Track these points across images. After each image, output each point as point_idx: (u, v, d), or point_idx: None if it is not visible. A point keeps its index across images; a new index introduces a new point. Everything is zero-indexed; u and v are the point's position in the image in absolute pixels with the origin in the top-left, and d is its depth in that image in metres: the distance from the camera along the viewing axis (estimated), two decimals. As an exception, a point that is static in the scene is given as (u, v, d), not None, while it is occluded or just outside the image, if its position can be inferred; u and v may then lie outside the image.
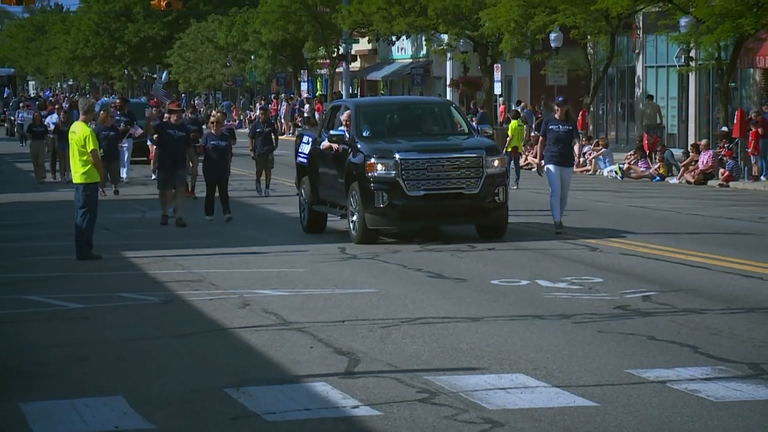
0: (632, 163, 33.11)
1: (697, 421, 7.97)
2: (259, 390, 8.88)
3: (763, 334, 10.74)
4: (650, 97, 39.78)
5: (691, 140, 35.39)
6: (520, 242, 17.60)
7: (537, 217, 20.60)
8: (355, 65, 63.45)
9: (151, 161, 32.43)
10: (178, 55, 77.83)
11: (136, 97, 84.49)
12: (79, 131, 16.64)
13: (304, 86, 66.40)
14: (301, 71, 66.28)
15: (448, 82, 53.10)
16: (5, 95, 77.16)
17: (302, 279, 14.54)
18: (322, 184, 19.20)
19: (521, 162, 31.78)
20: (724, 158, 30.63)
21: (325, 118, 20.39)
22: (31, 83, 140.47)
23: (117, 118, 29.35)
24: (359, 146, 17.89)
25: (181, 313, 12.46)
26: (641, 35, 40.64)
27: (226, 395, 8.77)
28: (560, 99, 19.61)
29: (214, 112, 30.01)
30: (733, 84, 35.01)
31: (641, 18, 39.34)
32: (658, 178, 31.94)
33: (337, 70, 61.30)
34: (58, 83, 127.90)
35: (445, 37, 47.51)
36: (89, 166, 16.51)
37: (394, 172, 17.38)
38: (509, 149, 29.25)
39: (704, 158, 30.60)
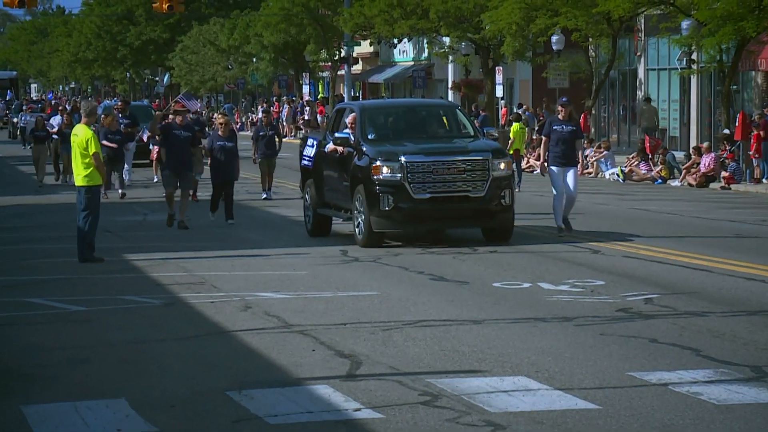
0: (634, 165, 33.11)
1: (699, 424, 7.97)
2: (261, 393, 8.88)
3: (766, 337, 10.73)
4: (648, 99, 39.84)
5: (693, 143, 35.40)
6: (522, 245, 17.60)
7: (539, 220, 20.59)
8: (357, 68, 63.48)
9: (154, 163, 32.48)
10: (180, 58, 77.89)
11: (138, 99, 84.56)
12: (82, 134, 16.64)
13: (305, 89, 66.45)
14: (303, 74, 66.32)
15: (449, 85, 53.13)
16: (7, 98, 77.24)
17: (304, 282, 14.54)
18: (327, 187, 19.12)
19: (523, 165, 31.78)
20: (726, 161, 30.63)
21: (330, 120, 20.33)
22: (33, 86, 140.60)
23: (119, 121, 29.35)
24: (364, 149, 17.82)
25: (183, 315, 12.47)
26: (643, 38, 40.65)
27: (228, 398, 8.77)
28: (564, 100, 19.59)
29: (216, 115, 30.03)
30: (734, 87, 35.00)
31: (643, 21, 39.35)
32: (659, 180, 31.94)
33: (338, 72, 61.33)
34: (60, 86, 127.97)
35: (446, 39, 47.54)
36: (91, 168, 16.52)
37: (399, 175, 17.32)
38: (511, 152, 29.27)
39: (706, 161, 30.60)
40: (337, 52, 60.21)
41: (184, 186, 20.85)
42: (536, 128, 42.32)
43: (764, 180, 29.68)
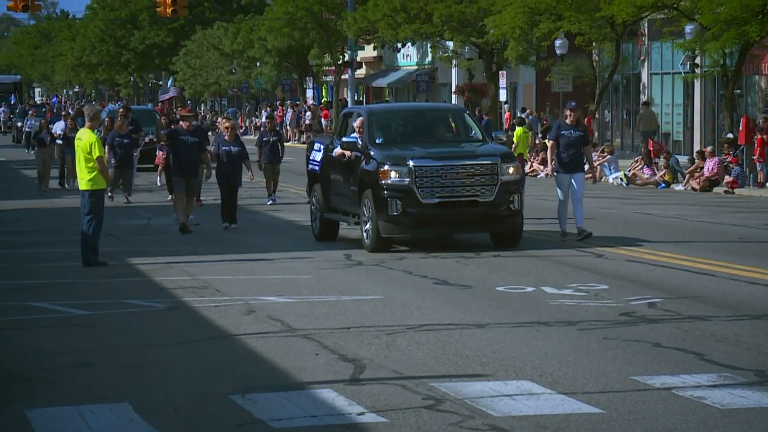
0: (637, 169, 33.11)
1: (702, 428, 7.97)
2: (265, 397, 8.89)
3: (769, 341, 10.73)
4: (646, 103, 39.91)
5: (697, 147, 35.38)
6: (526, 249, 17.59)
7: (542, 225, 20.58)
8: (361, 72, 63.51)
9: (158, 168, 32.49)
10: (183, 62, 77.95)
11: (142, 104, 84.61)
12: (85, 138, 16.66)
13: (309, 93, 66.48)
14: (307, 78, 66.37)
15: (453, 89, 53.14)
16: (12, 102, 77.29)
17: (308, 286, 14.54)
18: (334, 191, 19.03)
19: (526, 169, 31.77)
20: (730, 165, 30.62)
21: (337, 125, 20.22)
22: (37, 90, 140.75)
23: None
24: (372, 153, 17.73)
25: (186, 319, 12.47)
26: (646, 42, 40.66)
27: (232, 402, 8.78)
28: (572, 104, 19.46)
29: (220, 119, 30.03)
30: (738, 91, 34.99)
31: (646, 25, 39.36)
32: (663, 184, 31.93)
33: (342, 77, 61.35)
34: (64, 90, 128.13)
35: (450, 44, 47.55)
36: (95, 172, 16.54)
37: (407, 179, 17.22)
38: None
39: (710, 165, 30.59)
40: (341, 56, 60.23)
41: (191, 192, 20.73)
42: (539, 132, 42.36)
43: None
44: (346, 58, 58.76)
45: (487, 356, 10.20)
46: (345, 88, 61.45)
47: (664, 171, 32.31)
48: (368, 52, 62.27)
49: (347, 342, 10.90)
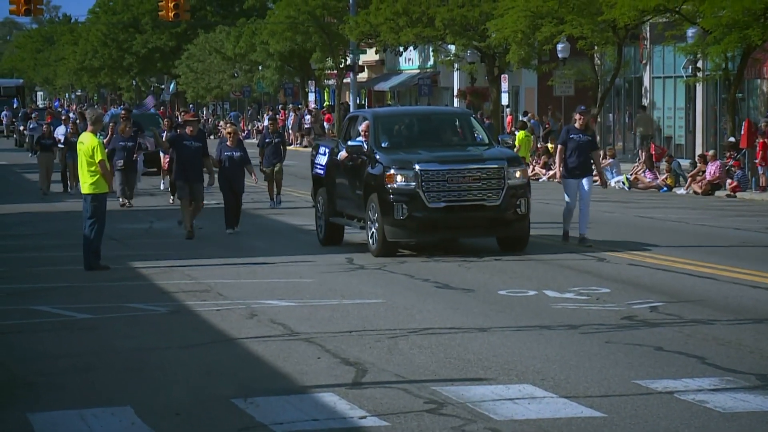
0: (639, 173, 33.11)
1: (704, 432, 7.98)
2: (267, 401, 8.89)
3: (771, 345, 10.73)
4: (643, 108, 39.95)
5: (699, 151, 35.39)
6: (528, 253, 17.58)
7: (545, 229, 20.57)
8: (363, 76, 63.54)
9: (162, 172, 32.51)
10: (186, 66, 78.01)
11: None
12: (88, 142, 16.68)
13: (311, 97, 66.52)
14: (309, 82, 66.39)
15: (455, 93, 53.17)
16: (14, 106, 77.33)
17: (310, 289, 14.54)
18: (340, 195, 18.94)
19: (528, 172, 31.73)
20: (732, 169, 30.61)
21: (343, 128, 20.05)
22: (39, 94, 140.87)
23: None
24: (378, 157, 17.64)
25: (188, 323, 12.48)
26: (648, 46, 40.66)
27: (234, 406, 8.78)
28: (582, 108, 19.28)
29: (222, 123, 30.06)
30: (740, 95, 35.00)
31: (648, 29, 39.37)
32: (665, 188, 31.93)
33: (344, 80, 61.38)
34: (66, 94, 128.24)
35: (452, 47, 47.57)
36: (97, 176, 16.55)
37: (414, 183, 17.13)
38: (516, 160, 29.27)
39: (711, 169, 30.59)
40: (343, 60, 60.26)
41: (196, 198, 20.58)
42: (541, 136, 42.37)
43: (770, 188, 29.66)
44: (348, 61, 58.79)
45: (488, 360, 10.20)
46: (347, 92, 61.48)
47: (666, 175, 32.31)
48: (370, 55, 62.30)
49: (349, 346, 10.90)
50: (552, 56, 41.44)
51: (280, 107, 67.88)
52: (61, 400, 9.13)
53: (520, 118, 45.33)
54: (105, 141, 25.75)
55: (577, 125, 18.85)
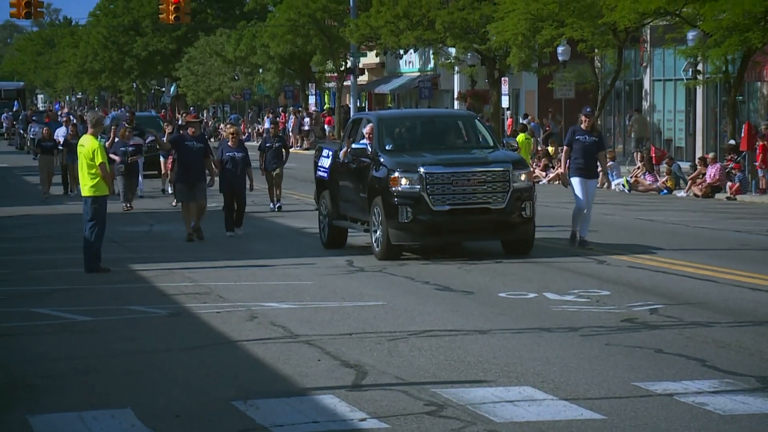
0: (639, 176, 33.13)
1: (704, 434, 7.97)
2: (267, 403, 8.90)
3: (771, 348, 10.73)
4: (637, 110, 39.97)
5: (699, 153, 35.41)
6: (528, 255, 17.58)
7: (545, 231, 20.57)
8: (363, 79, 63.57)
9: (162, 175, 32.52)
10: (186, 69, 78.04)
11: (145, 110, 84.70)
12: (88, 144, 16.69)
13: (311, 100, 66.58)
14: (309, 85, 66.43)
15: (455, 96, 53.19)
16: (14, 108, 77.35)
17: (310, 292, 14.55)
18: (343, 198, 18.85)
19: (529, 175, 31.71)
20: (733, 171, 30.63)
21: (346, 131, 19.91)
22: (39, 96, 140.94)
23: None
24: (382, 160, 17.55)
25: (188, 325, 12.49)
26: (648, 49, 40.69)
27: (234, 408, 8.79)
28: (587, 110, 19.06)
29: (223, 125, 30.08)
30: (740, 97, 35.01)
31: (648, 31, 39.39)
32: (665, 191, 31.94)
33: (344, 83, 61.40)
34: (67, 97, 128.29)
35: (452, 50, 47.59)
36: (98, 179, 16.56)
37: (418, 186, 17.04)
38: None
39: (712, 171, 30.60)
40: (344, 63, 60.30)
41: (197, 197, 20.54)
42: (541, 139, 42.39)
43: (770, 190, 29.67)
44: (349, 64, 58.83)
45: (489, 362, 10.20)
46: (347, 95, 61.51)
47: (666, 177, 32.32)
48: (371, 58, 62.33)
49: (349, 348, 10.90)
50: (552, 59, 41.46)
51: (280, 110, 67.91)
52: (61, 403, 9.14)
53: (521, 121, 45.37)
54: (107, 144, 25.76)
55: (583, 126, 18.69)
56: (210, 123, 73.52)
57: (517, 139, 32.03)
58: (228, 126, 27.25)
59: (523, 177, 17.39)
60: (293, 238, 21.56)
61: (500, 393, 9.06)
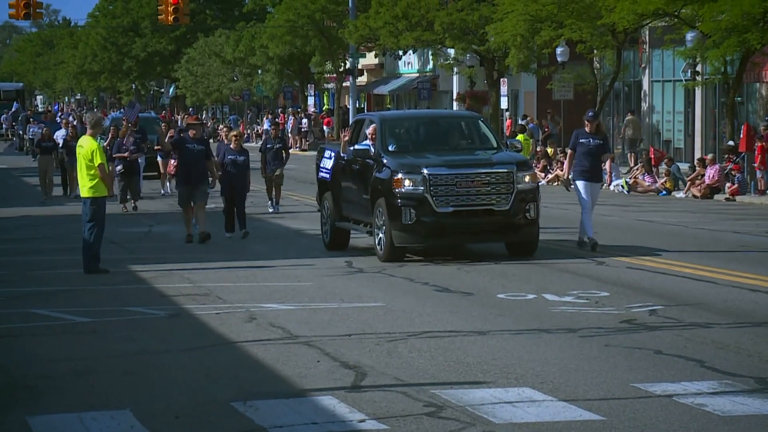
0: (638, 177, 33.14)
1: (703, 435, 7.98)
2: (266, 404, 8.90)
3: (770, 349, 10.74)
4: (631, 112, 39.97)
5: (698, 154, 35.42)
6: (527, 256, 17.57)
7: (546, 233, 20.56)
8: (362, 79, 63.57)
9: (161, 176, 32.52)
10: (185, 70, 78.05)
11: (144, 111, 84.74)
12: (87, 145, 16.69)
13: (310, 101, 66.58)
14: (308, 86, 66.45)
15: (454, 97, 53.19)
16: (14, 109, 77.34)
17: (309, 293, 14.55)
18: (346, 200, 18.75)
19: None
20: (732, 172, 30.64)
21: (349, 132, 19.81)
22: (38, 97, 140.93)
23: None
24: (385, 161, 17.46)
25: (188, 327, 12.49)
26: (647, 50, 40.70)
27: (233, 409, 8.79)
28: (590, 115, 18.82)
29: (221, 127, 30.08)
30: (739, 98, 35.03)
31: (647, 32, 39.41)
32: (664, 192, 31.96)
33: (343, 84, 61.41)
34: (66, 98, 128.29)
35: (451, 51, 47.60)
36: (97, 180, 16.56)
37: (422, 187, 16.94)
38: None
39: (710, 172, 30.62)
40: (342, 64, 60.30)
41: (199, 198, 20.40)
42: (540, 140, 42.39)
43: (769, 191, 29.69)
44: (348, 65, 58.83)
45: (488, 363, 10.21)
46: (346, 96, 61.52)
47: (665, 178, 32.34)
48: (369, 59, 62.32)
49: (348, 349, 10.91)
50: (551, 60, 41.47)
51: (279, 111, 67.92)
52: (61, 404, 9.14)
53: (519, 122, 45.36)
54: (105, 145, 25.75)
55: (587, 129, 18.50)
56: (209, 124, 73.55)
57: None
58: (223, 128, 27.27)
59: (527, 178, 17.28)
60: (292, 239, 21.56)
61: (499, 394, 9.07)
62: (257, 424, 8.37)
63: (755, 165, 30.12)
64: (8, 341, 11.95)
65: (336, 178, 19.12)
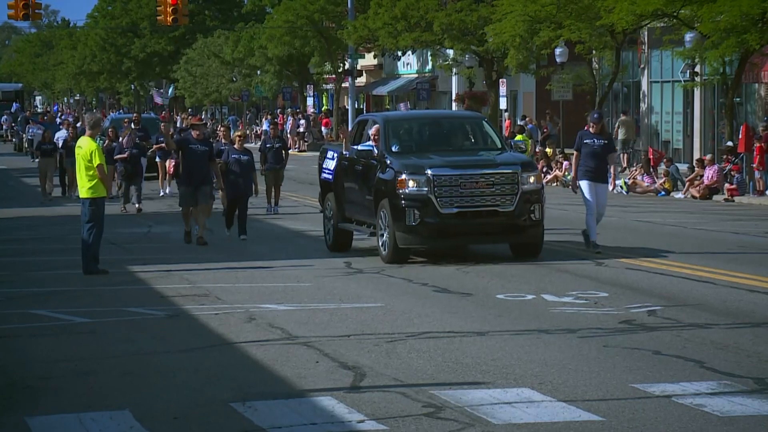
0: (637, 177, 33.15)
1: (702, 435, 7.98)
2: (265, 404, 8.90)
3: (769, 349, 10.74)
4: (625, 113, 39.99)
5: (696, 155, 35.43)
6: (527, 257, 17.58)
7: (545, 234, 20.55)
8: (361, 80, 63.59)
9: (159, 177, 32.52)
10: (184, 70, 78.05)
11: (144, 112, 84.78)
12: (86, 146, 16.69)
13: (309, 101, 66.57)
14: (307, 86, 66.46)
15: (453, 97, 53.21)
16: (13, 110, 77.33)
17: (308, 293, 14.56)
18: (349, 201, 18.65)
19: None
20: (731, 173, 30.66)
21: (352, 132, 19.71)
22: (38, 98, 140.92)
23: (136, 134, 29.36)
24: (389, 162, 17.36)
25: (187, 327, 12.49)
26: (646, 50, 40.72)
27: (232, 410, 8.79)
28: (596, 116, 18.68)
29: (220, 127, 30.06)
30: (738, 99, 35.04)
31: (646, 33, 39.43)
32: (663, 192, 31.97)
33: (342, 85, 61.44)
34: (65, 98, 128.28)
35: (450, 52, 47.63)
36: (95, 180, 16.56)
37: (426, 188, 16.85)
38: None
39: (709, 173, 30.63)
40: (341, 65, 60.32)
41: (201, 200, 20.24)
42: (539, 141, 42.40)
43: (767, 192, 29.72)
44: (347, 66, 58.85)
45: (487, 364, 10.21)
46: (345, 97, 61.53)
47: (663, 179, 32.35)
48: (368, 60, 62.35)
49: (347, 350, 10.91)
50: (550, 61, 41.49)
51: (278, 111, 67.95)
52: (60, 404, 9.14)
53: (518, 123, 45.38)
54: (104, 146, 25.76)
55: (591, 130, 18.39)
56: (209, 124, 73.55)
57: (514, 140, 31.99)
58: (222, 128, 27.26)
59: (532, 179, 17.18)
60: (291, 239, 21.56)
61: (498, 394, 9.07)
62: (256, 424, 8.37)
63: (754, 165, 30.13)
64: (7, 342, 11.95)
65: (339, 178, 19.02)
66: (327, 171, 19.48)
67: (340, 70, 60.41)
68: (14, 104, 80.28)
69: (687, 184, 31.43)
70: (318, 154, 21.10)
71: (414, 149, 18.07)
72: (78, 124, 41.22)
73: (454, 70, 49.08)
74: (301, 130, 61.07)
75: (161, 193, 31.84)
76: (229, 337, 11.72)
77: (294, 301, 13.94)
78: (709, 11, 30.54)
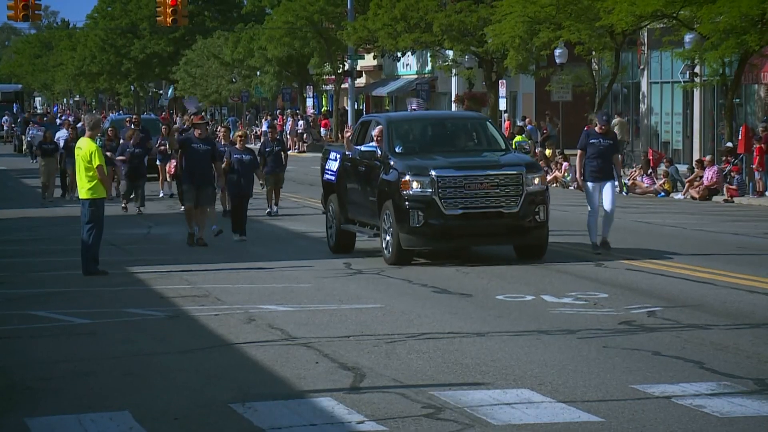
0: (636, 178, 33.15)
1: (702, 436, 7.99)
2: (265, 405, 8.91)
3: (768, 350, 10.75)
4: (619, 114, 40.02)
5: (696, 156, 35.44)
6: (526, 258, 17.58)
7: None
8: (361, 81, 63.61)
9: (160, 178, 32.51)
10: (184, 71, 78.07)
11: (144, 113, 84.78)
12: (86, 147, 16.69)
13: (309, 102, 66.57)
14: (307, 87, 66.46)
15: (453, 98, 53.23)
16: (14, 111, 77.33)
17: (308, 294, 14.56)
18: (352, 202, 18.56)
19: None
20: (731, 173, 30.66)
21: (354, 133, 19.63)
22: (37, 99, 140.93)
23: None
24: (392, 163, 17.26)
25: (186, 328, 12.49)
26: (646, 51, 40.73)
27: (232, 410, 8.79)
28: (605, 118, 18.51)
29: (220, 128, 30.06)
30: (737, 100, 35.06)
31: (646, 34, 39.44)
32: (662, 193, 31.98)
33: (342, 86, 61.44)
34: (65, 99, 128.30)
35: (450, 53, 47.65)
36: (95, 181, 16.56)
37: (430, 190, 16.75)
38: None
39: (709, 174, 30.64)
40: (341, 66, 60.33)
41: (203, 201, 20.12)
42: (539, 141, 42.41)
43: (767, 193, 29.70)
44: (346, 67, 58.86)
45: (486, 365, 10.22)
46: (345, 97, 61.54)
47: (663, 180, 32.36)
48: (368, 61, 62.36)
49: (347, 350, 10.91)
50: (550, 61, 41.50)
51: (278, 112, 67.95)
52: (60, 405, 9.14)
53: (518, 124, 45.39)
54: (103, 147, 25.75)
55: (597, 130, 18.28)
56: (208, 125, 73.54)
57: (514, 141, 31.99)
58: (222, 129, 27.25)
59: (536, 180, 17.08)
60: (291, 240, 21.56)
61: (498, 395, 9.08)
62: (256, 425, 8.38)
63: (753, 166, 30.14)
64: (7, 343, 11.95)
65: (341, 180, 18.93)
66: (330, 172, 19.41)
67: (340, 71, 60.42)
68: (14, 105, 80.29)
69: (687, 185, 31.44)
70: (317, 154, 21.06)
71: (417, 150, 17.99)
72: (78, 125, 41.19)
73: (454, 71, 49.10)
74: (301, 131, 61.10)
75: (161, 194, 31.84)
76: (228, 338, 11.72)
77: (294, 302, 13.94)
78: (709, 12, 30.55)
